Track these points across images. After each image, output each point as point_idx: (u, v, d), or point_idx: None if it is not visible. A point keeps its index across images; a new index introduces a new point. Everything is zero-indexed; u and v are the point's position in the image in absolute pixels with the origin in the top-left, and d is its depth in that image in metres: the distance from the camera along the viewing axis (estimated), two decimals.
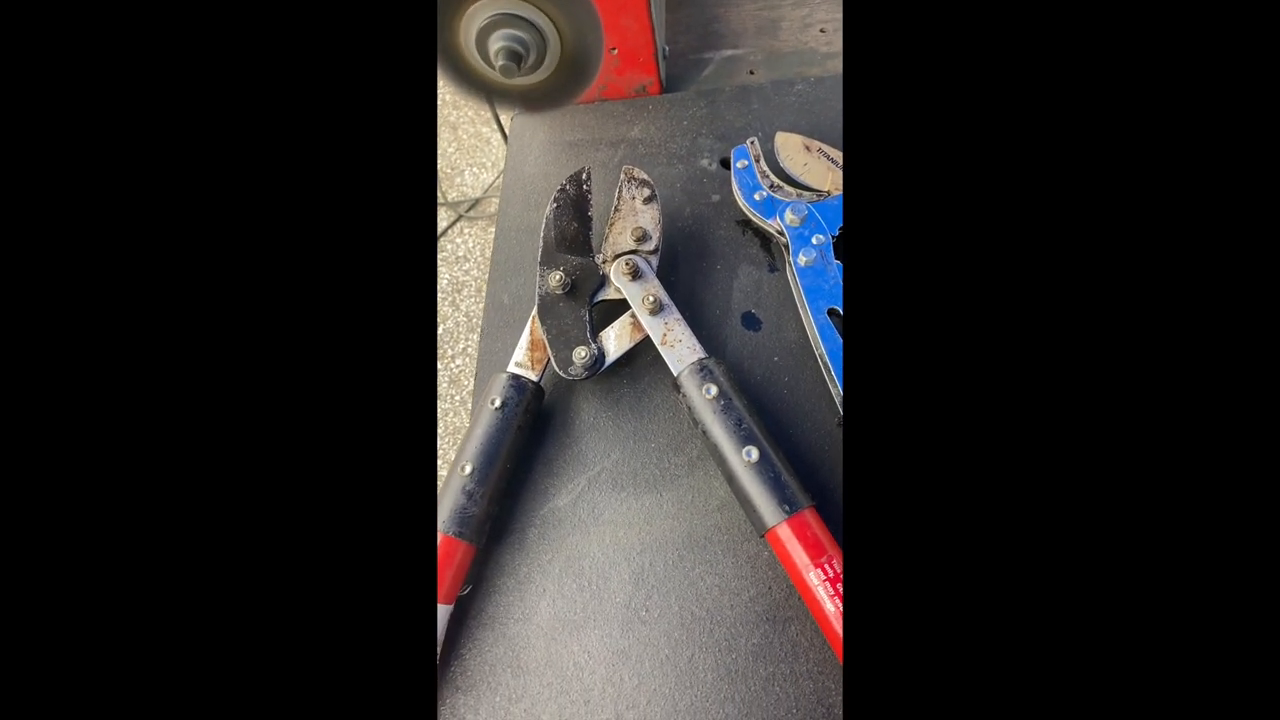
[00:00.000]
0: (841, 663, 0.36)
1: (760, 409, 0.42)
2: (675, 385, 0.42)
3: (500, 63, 0.38)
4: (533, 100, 0.46)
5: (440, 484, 0.40)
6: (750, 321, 0.48)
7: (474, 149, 1.72)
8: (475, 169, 1.69)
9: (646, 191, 0.48)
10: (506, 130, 0.62)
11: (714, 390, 0.40)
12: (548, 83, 0.45)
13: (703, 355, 0.42)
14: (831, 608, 0.35)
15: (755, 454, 0.38)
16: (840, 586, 0.35)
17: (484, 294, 0.52)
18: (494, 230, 0.55)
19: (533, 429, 0.44)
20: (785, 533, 0.37)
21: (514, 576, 0.41)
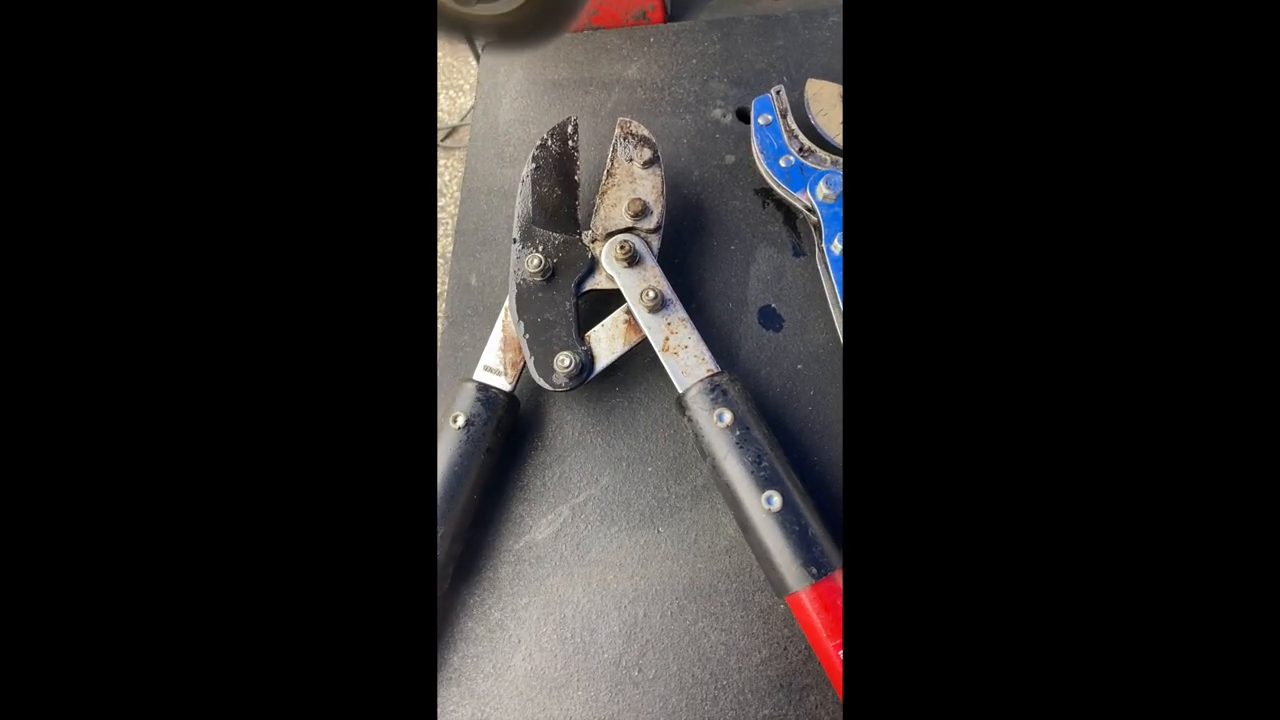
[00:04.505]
0: None
1: (781, 431, 0.35)
2: (680, 405, 0.35)
3: None
4: (507, 34, 0.36)
5: None
6: (769, 319, 0.40)
7: (450, 69, 1.56)
8: (452, 92, 1.54)
9: (647, 153, 0.39)
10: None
11: (728, 417, 0.32)
12: (523, 11, 0.34)
13: (714, 369, 0.35)
14: None
15: (778, 501, 0.31)
16: None
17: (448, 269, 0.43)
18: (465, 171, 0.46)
19: (505, 448, 0.37)
20: (810, 599, 0.30)
21: (484, 623, 0.35)
